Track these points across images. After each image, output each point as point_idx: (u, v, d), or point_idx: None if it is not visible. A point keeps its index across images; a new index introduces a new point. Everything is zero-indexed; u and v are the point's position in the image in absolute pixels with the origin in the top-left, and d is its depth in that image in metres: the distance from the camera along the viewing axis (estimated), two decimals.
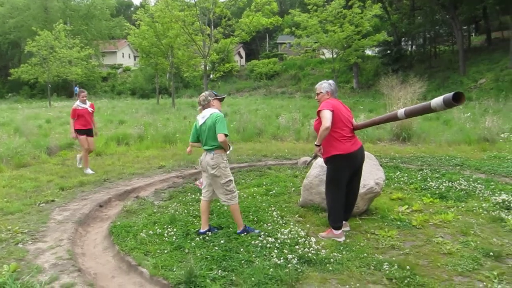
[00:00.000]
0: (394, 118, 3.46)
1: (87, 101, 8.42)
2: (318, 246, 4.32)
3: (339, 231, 4.65)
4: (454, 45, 41.23)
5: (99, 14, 49.14)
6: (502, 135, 9.87)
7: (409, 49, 43.83)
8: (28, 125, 13.40)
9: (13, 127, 13.87)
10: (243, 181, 7.40)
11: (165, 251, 4.22)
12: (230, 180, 4.56)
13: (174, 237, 4.53)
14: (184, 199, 6.19)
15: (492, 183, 6.84)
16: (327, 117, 4.35)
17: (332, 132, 4.42)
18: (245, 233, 4.55)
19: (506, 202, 5.75)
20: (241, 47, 63.33)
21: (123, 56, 60.89)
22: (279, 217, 5.24)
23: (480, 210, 5.57)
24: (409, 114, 3.01)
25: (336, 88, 4.82)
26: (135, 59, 57.97)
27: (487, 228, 4.98)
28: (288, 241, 4.38)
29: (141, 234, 4.65)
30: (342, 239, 4.62)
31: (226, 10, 16.20)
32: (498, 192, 6.28)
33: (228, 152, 4.63)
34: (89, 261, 4.29)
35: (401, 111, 3.01)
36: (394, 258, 4.13)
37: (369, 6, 22.80)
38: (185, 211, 5.51)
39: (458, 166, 8.42)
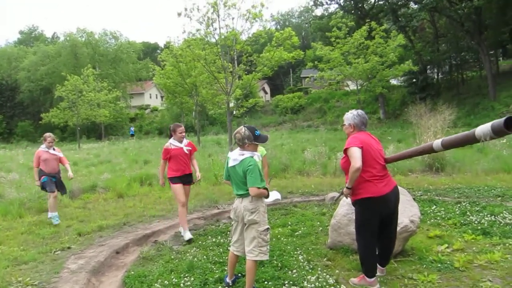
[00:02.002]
0: (429, 150, 3.05)
1: (184, 138, 6.54)
2: None
3: (373, 279, 4.16)
4: (481, 71, 40.38)
5: (126, 57, 50.74)
6: None
7: (435, 76, 43.12)
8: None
9: None
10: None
11: None
12: (268, 229, 4.01)
13: None
14: (204, 243, 5.83)
15: None
16: (356, 156, 3.84)
17: (362, 171, 3.88)
18: None
19: None
20: (266, 83, 63.92)
21: (150, 97, 62.35)
22: (306, 262, 4.81)
23: None
24: (447, 146, 2.61)
25: (365, 120, 4.24)
26: (162, 99, 59.25)
27: None
28: None
29: (155, 284, 4.31)
30: (376, 287, 4.14)
31: (246, 46, 16.25)
32: None
33: (267, 200, 4.20)
34: None
35: (437, 142, 2.62)
36: None
37: (393, 36, 22.55)
38: (205, 257, 5.15)
39: (499, 197, 7.80)
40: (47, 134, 7.90)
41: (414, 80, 36.83)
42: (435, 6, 31.60)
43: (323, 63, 23.75)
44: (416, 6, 33.80)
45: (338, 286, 4.04)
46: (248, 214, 3.90)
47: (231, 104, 20.28)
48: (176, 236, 6.40)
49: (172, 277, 4.51)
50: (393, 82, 42.04)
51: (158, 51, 60.13)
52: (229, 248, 4.36)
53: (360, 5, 36.16)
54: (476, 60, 40.13)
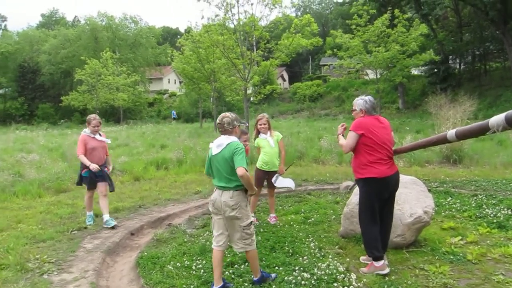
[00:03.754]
0: (443, 140, 3.02)
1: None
2: (359, 284, 3.88)
3: (381, 263, 4.20)
4: (505, 62, 39.38)
5: (146, 42, 50.92)
6: None
7: (457, 67, 42.19)
8: (73, 151, 13.68)
9: (60, 152, 14.23)
10: (280, 207, 7.03)
11: (192, 286, 3.92)
12: (251, 222, 3.87)
13: (202, 271, 4.24)
14: None
15: None
16: (349, 141, 4.17)
17: (367, 153, 4.15)
18: (261, 283, 3.88)
19: None
20: (284, 70, 63.53)
21: (169, 82, 62.63)
22: (317, 249, 4.83)
23: None
24: (461, 136, 2.58)
25: (374, 105, 4.45)
26: (180, 84, 59.53)
27: None
28: (326, 277, 3.97)
29: (168, 266, 4.39)
30: (386, 271, 4.18)
31: (265, 33, 16.12)
32: None
33: (252, 193, 3.90)
34: None
35: (451, 132, 2.59)
36: None
37: (416, 25, 22.11)
38: None
39: None
40: (92, 116, 6.28)
41: (436, 70, 36.14)
42: None
43: (343, 51, 23.47)
44: None
45: (348, 274, 4.04)
46: (229, 211, 3.71)
47: (249, 91, 20.25)
48: (190, 220, 6.49)
49: (185, 259, 4.59)
50: (414, 72, 41.37)
51: (179, 36, 60.12)
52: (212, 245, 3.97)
53: None
54: (500, 50, 39.11)
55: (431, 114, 13.30)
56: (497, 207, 6.38)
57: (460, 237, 5.17)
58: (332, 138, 15.09)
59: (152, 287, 3.98)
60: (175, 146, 15.51)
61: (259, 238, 5.15)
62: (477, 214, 6.13)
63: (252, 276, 3.95)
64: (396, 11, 21.98)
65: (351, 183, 8.23)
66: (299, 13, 70.11)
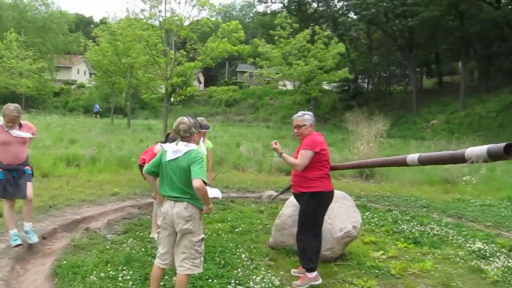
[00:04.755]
0: (401, 163, 3.11)
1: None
2: None
3: (315, 273, 4.27)
4: (407, 86, 43.05)
5: (56, 28, 47.38)
6: (464, 178, 9.93)
7: (366, 86, 45.21)
8: None
9: None
10: (205, 215, 6.78)
11: None
12: (203, 239, 3.53)
13: (130, 282, 3.92)
14: (141, 233, 5.55)
15: (463, 228, 6.69)
16: (305, 159, 4.19)
17: (319, 168, 4.26)
18: None
19: (482, 251, 5.56)
20: (200, 73, 63.04)
21: (78, 72, 58.89)
22: (249, 261, 4.73)
23: (457, 258, 5.33)
24: (425, 162, 2.65)
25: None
26: (90, 76, 56.19)
27: (468, 280, 4.72)
28: None
29: (91, 276, 4.00)
30: (319, 281, 4.26)
31: (192, 34, 15.80)
32: (472, 239, 6.10)
33: (209, 207, 3.46)
34: None
35: (413, 157, 2.65)
36: None
37: (334, 43, 23.22)
38: (143, 249, 4.88)
39: (425, 208, 8.29)
40: (7, 106, 4.71)
41: (346, 87, 38.36)
42: (373, 19, 33.11)
43: (263, 60, 23.87)
44: (356, 16, 35.18)
45: (284, 287, 4.01)
46: (182, 223, 3.35)
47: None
48: (109, 224, 6.04)
49: (109, 269, 4.22)
50: (325, 87, 43.53)
51: (92, 26, 56.71)
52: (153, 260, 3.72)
53: (303, 8, 36.85)
54: (404, 75, 42.70)
55: (345, 129, 13.94)
56: (410, 223, 6.82)
57: (382, 252, 5.40)
58: (250, 146, 15.22)
59: None
60: (86, 142, 14.55)
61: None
62: (394, 229, 6.48)
63: None
64: (317, 27, 22.94)
65: (273, 193, 8.29)
66: (219, 18, 70.09)
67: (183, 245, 3.39)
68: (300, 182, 4.33)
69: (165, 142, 5.27)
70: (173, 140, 5.16)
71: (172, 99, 17.88)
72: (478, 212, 8.04)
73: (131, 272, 4.13)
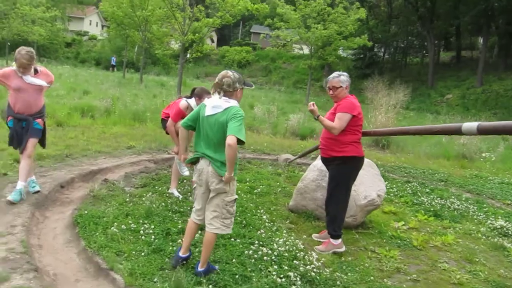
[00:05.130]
0: (454, 132, 2.92)
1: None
2: (319, 263, 3.78)
3: (339, 240, 4.22)
4: (424, 58, 42.10)
5: None
6: (483, 154, 9.73)
7: (381, 55, 44.26)
8: None
9: None
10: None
11: (142, 253, 3.55)
12: (236, 199, 3.38)
13: (153, 237, 3.85)
14: (160, 188, 5.46)
15: (484, 205, 6.58)
16: (343, 122, 4.03)
17: (353, 132, 4.14)
18: (206, 275, 3.30)
19: (504, 229, 5.47)
20: (214, 31, 61.93)
21: (90, 24, 57.99)
22: (270, 222, 4.65)
23: (479, 234, 5.24)
24: (485, 131, 2.45)
25: None
26: (102, 28, 55.30)
27: (490, 256, 4.64)
28: (286, 254, 3.81)
29: (112, 228, 3.94)
30: (343, 248, 4.22)
31: None
32: (493, 216, 5.99)
33: (230, 175, 3.18)
34: (47, 257, 3.54)
35: (470, 125, 2.44)
36: (404, 285, 3.68)
37: (356, 8, 22.50)
38: (162, 204, 4.81)
39: (443, 182, 8.15)
40: (20, 50, 4.44)
41: (362, 55, 37.54)
42: None
43: (280, 22, 23.23)
44: None
45: (309, 252, 3.94)
46: (216, 182, 3.21)
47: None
48: (127, 177, 5.96)
49: (130, 221, 4.15)
50: (341, 53, 42.65)
51: None
52: (189, 215, 3.60)
53: None
54: (421, 47, 41.65)
55: (366, 97, 13.65)
56: (430, 196, 6.70)
57: (403, 223, 5.31)
58: (265, 108, 14.99)
59: (96, 251, 3.53)
60: (100, 94, 14.42)
61: None
62: (414, 201, 6.39)
63: (197, 265, 3.36)
64: None
65: (290, 156, 8.18)
66: None
67: (215, 203, 3.26)
68: (332, 145, 4.18)
69: (190, 97, 5.11)
70: (199, 95, 4.99)
71: (188, 55, 17.47)
72: (497, 189, 7.90)
73: (152, 226, 4.07)
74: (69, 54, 44.59)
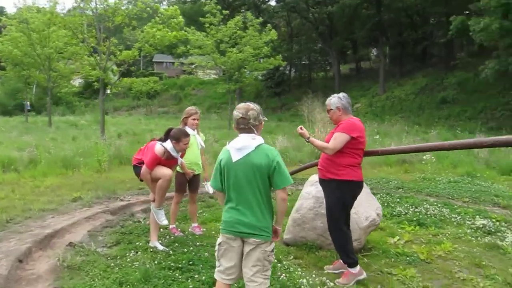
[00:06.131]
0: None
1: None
2: None
3: (358, 267, 3.99)
4: (327, 72, 44.51)
5: None
6: (424, 157, 10.21)
7: (288, 73, 45.95)
8: None
9: None
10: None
11: None
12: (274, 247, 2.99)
13: None
14: (138, 243, 4.79)
15: (455, 206, 6.78)
16: (338, 144, 3.83)
17: (350, 156, 3.92)
18: None
19: (487, 227, 5.62)
20: (113, 64, 59.76)
21: None
22: (279, 263, 4.26)
23: (468, 237, 5.34)
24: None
25: (350, 101, 4.14)
26: None
27: (491, 257, 4.71)
28: None
29: None
30: (364, 275, 3.99)
31: (131, 20, 14.52)
32: (469, 217, 6.17)
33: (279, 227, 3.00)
34: None
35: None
36: None
37: (268, 30, 23.00)
38: (154, 262, 4.19)
39: (400, 188, 8.35)
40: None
41: (272, 75, 38.57)
42: (295, 6, 33.48)
43: (195, 49, 22.99)
44: (277, 4, 35.38)
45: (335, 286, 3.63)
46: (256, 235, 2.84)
47: (75, 82, 18.01)
48: (91, 236, 5.18)
49: None
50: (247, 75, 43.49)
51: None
52: (213, 272, 3.09)
53: None
54: (324, 62, 43.99)
55: (302, 115, 13.79)
56: (403, 205, 6.75)
57: (398, 237, 5.23)
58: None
59: None
60: (13, 143, 12.88)
61: (206, 254, 4.34)
62: (391, 212, 6.38)
63: None
64: (249, 14, 22.55)
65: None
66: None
67: (256, 257, 2.83)
68: (329, 167, 3.98)
69: (165, 140, 4.57)
70: (176, 138, 4.46)
71: (108, 91, 16.41)
72: (450, 189, 8.27)
73: None
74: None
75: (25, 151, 10.36)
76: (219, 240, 2.96)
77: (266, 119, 3.19)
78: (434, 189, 8.19)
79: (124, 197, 7.35)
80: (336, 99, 4.07)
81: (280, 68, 42.99)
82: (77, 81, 41.74)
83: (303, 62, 46.08)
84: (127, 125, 24.65)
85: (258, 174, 2.79)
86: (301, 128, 4.13)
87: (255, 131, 2.88)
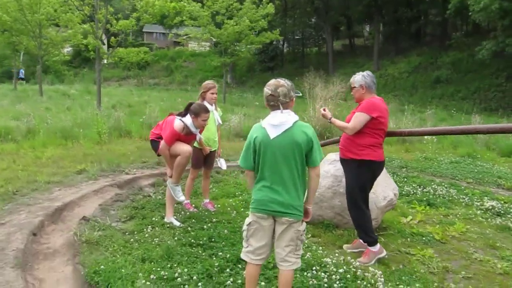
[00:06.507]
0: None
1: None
2: (381, 279, 3.48)
3: (378, 246, 4.01)
4: (320, 48, 44.10)
5: None
6: (426, 137, 10.23)
7: (281, 48, 45.44)
8: None
9: None
10: (200, 190, 6.09)
11: None
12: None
13: (200, 284, 3.22)
14: (153, 218, 4.73)
15: (462, 187, 6.84)
16: (358, 123, 3.82)
17: (370, 136, 3.89)
18: None
19: (496, 209, 5.69)
20: (103, 33, 58.38)
21: None
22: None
23: (479, 218, 5.40)
24: None
25: (374, 79, 4.09)
26: None
27: (503, 238, 4.78)
28: (348, 276, 3.46)
29: (141, 281, 3.22)
30: (384, 253, 4.02)
31: None
32: (476, 198, 6.23)
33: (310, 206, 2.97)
34: None
35: None
36: (461, 285, 3.57)
37: (265, 3, 22.57)
38: (174, 238, 4.15)
39: (403, 168, 8.40)
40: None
41: (265, 49, 38.10)
42: None
43: (190, 20, 22.48)
44: None
45: (373, 270, 3.63)
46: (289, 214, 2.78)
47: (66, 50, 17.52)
48: (103, 210, 5.10)
49: (154, 268, 3.46)
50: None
51: None
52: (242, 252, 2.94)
53: None
54: (317, 37, 43.52)
55: (303, 91, 13.66)
56: (411, 185, 6.79)
57: (410, 217, 5.26)
58: None
59: None
60: (6, 112, 12.58)
61: (225, 231, 4.30)
62: (400, 192, 6.33)
63: None
64: None
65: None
66: None
67: (289, 237, 2.78)
68: (350, 147, 3.96)
69: (185, 115, 4.45)
70: (196, 113, 4.35)
71: (105, 61, 16.03)
72: (453, 169, 8.34)
73: (185, 270, 3.42)
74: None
75: (22, 120, 10.11)
76: (248, 220, 2.88)
77: (300, 93, 3.10)
78: (437, 169, 8.25)
79: (130, 170, 7.24)
80: (360, 77, 4.03)
81: (274, 43, 42.65)
82: (65, 50, 40.82)
83: (297, 37, 45.56)
84: (119, 96, 24.26)
85: (296, 151, 2.72)
86: (323, 110, 4.13)
87: (287, 107, 2.77)
